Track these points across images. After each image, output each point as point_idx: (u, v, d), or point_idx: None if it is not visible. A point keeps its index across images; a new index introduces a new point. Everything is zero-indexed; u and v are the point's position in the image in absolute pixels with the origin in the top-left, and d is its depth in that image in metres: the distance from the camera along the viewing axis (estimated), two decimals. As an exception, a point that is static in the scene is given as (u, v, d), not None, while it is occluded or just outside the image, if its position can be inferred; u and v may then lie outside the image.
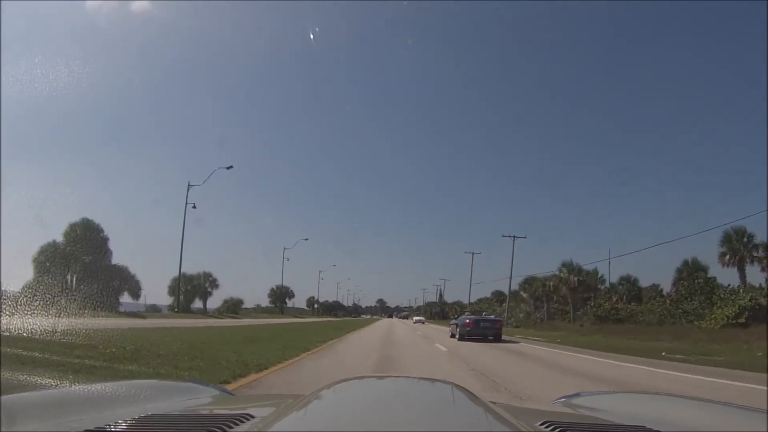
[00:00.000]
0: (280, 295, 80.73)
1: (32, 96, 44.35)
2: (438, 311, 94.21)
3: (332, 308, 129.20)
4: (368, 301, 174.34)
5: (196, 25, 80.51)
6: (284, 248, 63.67)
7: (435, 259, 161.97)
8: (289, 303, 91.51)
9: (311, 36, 70.95)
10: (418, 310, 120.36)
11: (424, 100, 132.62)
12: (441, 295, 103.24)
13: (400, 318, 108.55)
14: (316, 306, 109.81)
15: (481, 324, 20.65)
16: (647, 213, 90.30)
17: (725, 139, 79.14)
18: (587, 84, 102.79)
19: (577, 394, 1.82)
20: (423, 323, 61.25)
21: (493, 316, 25.31)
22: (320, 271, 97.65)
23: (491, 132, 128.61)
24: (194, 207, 35.99)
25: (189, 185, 36.57)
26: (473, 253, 64.09)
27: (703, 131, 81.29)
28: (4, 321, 8.77)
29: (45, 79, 34.23)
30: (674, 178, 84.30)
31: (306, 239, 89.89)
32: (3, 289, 14.94)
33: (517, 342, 21.35)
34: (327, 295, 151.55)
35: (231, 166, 37.96)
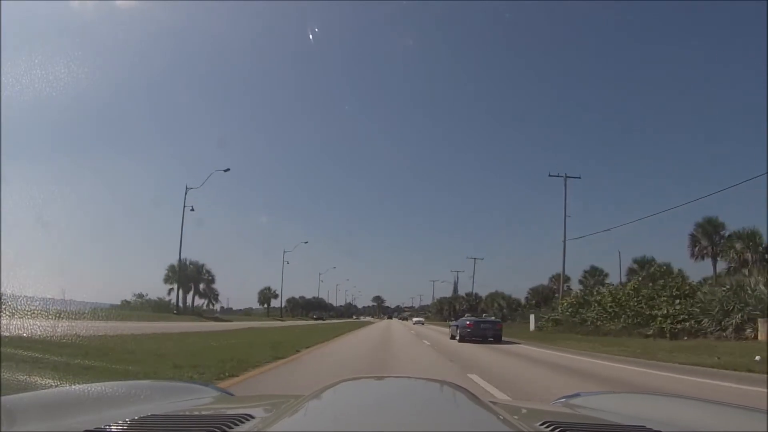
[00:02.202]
0: (182, 280, 47.36)
1: (32, 96, 44.24)
2: (465, 308, 58.73)
3: (312, 307, 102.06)
4: (365, 300, 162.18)
5: (195, 25, 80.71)
6: (187, 187, 39.07)
7: (439, 251, 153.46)
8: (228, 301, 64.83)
9: (310, 36, 71.13)
10: (421, 310, 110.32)
11: (422, 98, 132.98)
12: (457, 288, 78.33)
13: (401, 319, 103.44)
14: (282, 304, 79.67)
15: (482, 326, 20.94)
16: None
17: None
18: (587, 81, 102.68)
19: (577, 394, 1.81)
20: (422, 324, 60.80)
21: (493, 318, 25.58)
22: (285, 252, 64.97)
23: (491, 125, 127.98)
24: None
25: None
26: (565, 176, 33.97)
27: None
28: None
29: (44, 79, 34.14)
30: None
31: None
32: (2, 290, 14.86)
33: None
34: (306, 291, 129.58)
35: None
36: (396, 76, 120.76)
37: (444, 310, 78.88)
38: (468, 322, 21.09)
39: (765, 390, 7.15)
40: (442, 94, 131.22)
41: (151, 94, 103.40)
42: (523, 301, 56.22)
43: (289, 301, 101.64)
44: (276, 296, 78.84)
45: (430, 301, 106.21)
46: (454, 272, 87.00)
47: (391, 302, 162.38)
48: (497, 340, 20.27)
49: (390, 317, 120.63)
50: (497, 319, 24.71)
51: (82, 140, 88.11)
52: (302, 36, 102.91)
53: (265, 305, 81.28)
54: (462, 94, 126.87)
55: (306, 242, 72.50)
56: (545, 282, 53.76)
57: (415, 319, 74.80)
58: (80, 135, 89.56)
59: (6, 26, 37.01)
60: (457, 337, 21.04)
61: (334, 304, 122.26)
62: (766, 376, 8.64)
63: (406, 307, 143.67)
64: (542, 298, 50.47)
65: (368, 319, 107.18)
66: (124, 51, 79.06)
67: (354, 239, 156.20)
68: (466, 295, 71.54)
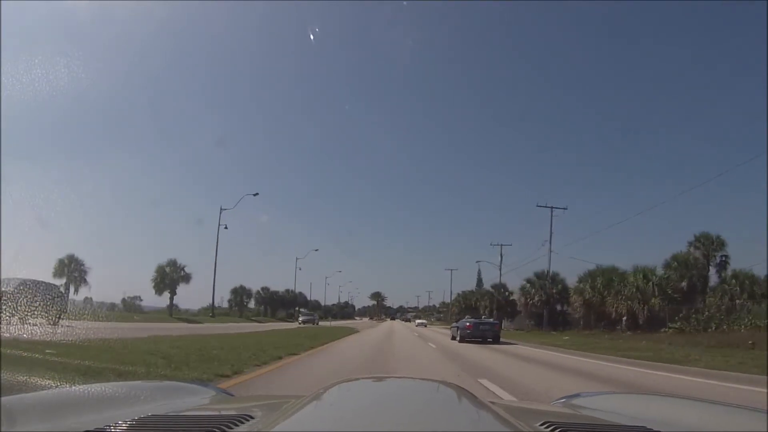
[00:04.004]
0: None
1: (32, 96, 44.10)
2: (540, 301, 38.18)
3: (287, 305, 74.60)
4: (364, 299, 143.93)
5: (194, 24, 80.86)
6: None
7: (443, 249, 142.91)
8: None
9: (311, 36, 71.30)
10: (428, 310, 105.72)
11: (422, 95, 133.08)
12: (481, 280, 61.88)
13: (404, 320, 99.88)
14: (216, 298, 52.52)
15: (481, 327, 21.73)
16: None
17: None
18: (588, 80, 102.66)
19: (577, 395, 1.81)
20: (425, 326, 60.30)
21: (492, 319, 26.34)
22: (222, 209, 41.02)
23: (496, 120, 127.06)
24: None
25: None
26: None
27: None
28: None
29: (45, 79, 34.08)
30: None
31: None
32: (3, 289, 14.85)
33: None
34: (285, 286, 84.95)
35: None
36: (395, 75, 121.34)
37: (483, 309, 46.54)
38: (468, 324, 21.95)
39: None
40: (441, 91, 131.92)
41: (150, 93, 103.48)
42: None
43: (234, 291, 65.44)
44: (186, 279, 45.34)
45: (440, 300, 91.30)
46: (496, 245, 49.58)
47: (393, 303, 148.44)
48: (495, 340, 21.11)
49: (393, 318, 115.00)
50: (495, 321, 25.69)
51: (82, 140, 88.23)
52: (302, 36, 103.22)
53: (169, 294, 45.18)
54: (461, 91, 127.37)
55: (256, 194, 42.48)
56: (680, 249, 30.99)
57: (417, 321, 75.11)
58: (80, 135, 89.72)
59: (6, 26, 37.08)
60: (458, 338, 21.80)
61: (323, 302, 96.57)
62: (766, 376, 8.63)
63: (409, 308, 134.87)
64: (698, 276, 29.50)
65: (362, 320, 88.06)
66: (124, 50, 79.25)
67: (354, 237, 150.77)
68: (537, 277, 39.63)
